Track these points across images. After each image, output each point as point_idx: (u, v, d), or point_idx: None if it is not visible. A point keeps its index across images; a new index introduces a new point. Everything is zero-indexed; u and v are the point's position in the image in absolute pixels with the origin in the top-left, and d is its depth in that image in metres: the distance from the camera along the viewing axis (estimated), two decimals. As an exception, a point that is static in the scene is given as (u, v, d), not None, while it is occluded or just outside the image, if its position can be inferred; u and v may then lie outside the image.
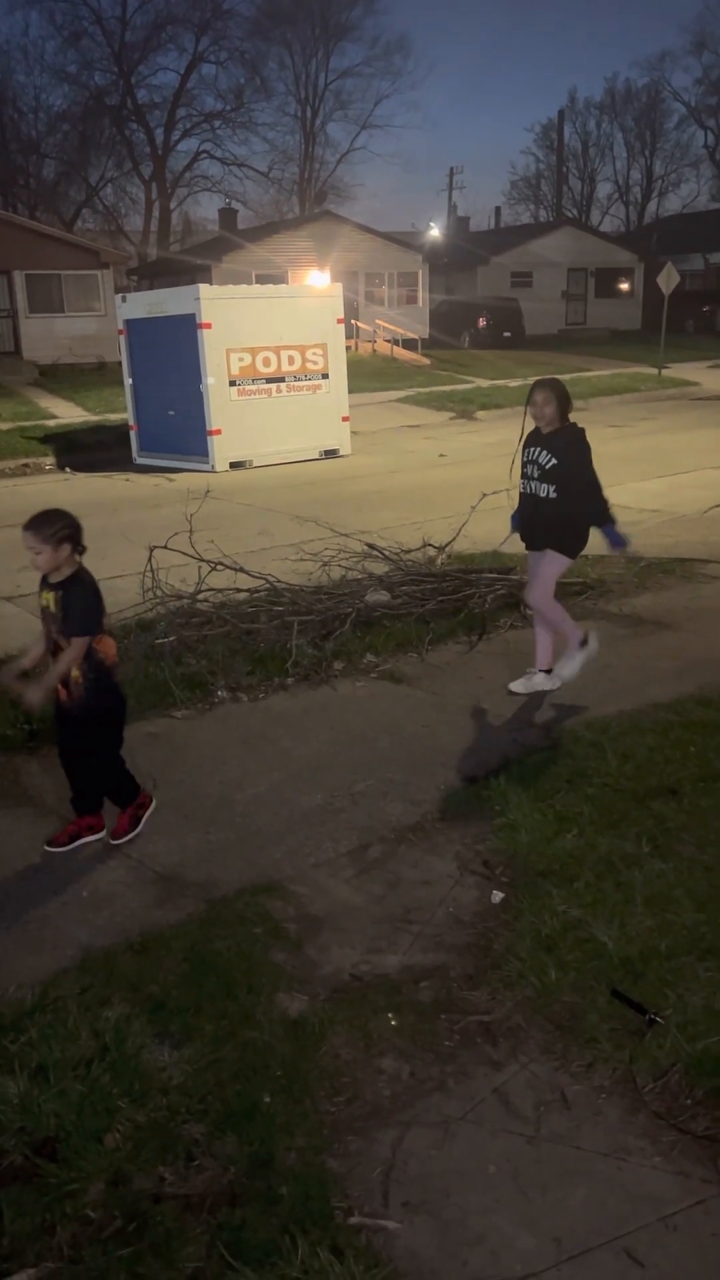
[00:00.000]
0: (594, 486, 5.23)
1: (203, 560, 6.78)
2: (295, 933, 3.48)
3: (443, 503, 10.77)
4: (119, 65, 45.67)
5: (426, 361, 29.20)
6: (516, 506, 5.55)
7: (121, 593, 7.56)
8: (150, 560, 6.62)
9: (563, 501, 5.19)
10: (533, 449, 5.29)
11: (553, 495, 5.20)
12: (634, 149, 59.59)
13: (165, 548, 6.66)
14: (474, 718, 5.28)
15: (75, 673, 3.87)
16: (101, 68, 46.00)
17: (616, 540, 5.28)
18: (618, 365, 28.12)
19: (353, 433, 15.96)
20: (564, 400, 5.24)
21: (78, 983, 3.18)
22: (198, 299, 14.27)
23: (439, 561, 7.89)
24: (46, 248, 27.82)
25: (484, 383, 25.15)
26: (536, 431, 5.32)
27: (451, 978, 3.19)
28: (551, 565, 5.36)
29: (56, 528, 3.77)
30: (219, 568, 6.79)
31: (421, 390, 23.53)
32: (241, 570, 6.84)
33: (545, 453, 5.21)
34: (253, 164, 49.82)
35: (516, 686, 5.58)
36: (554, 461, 5.17)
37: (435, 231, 42.47)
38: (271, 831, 4.19)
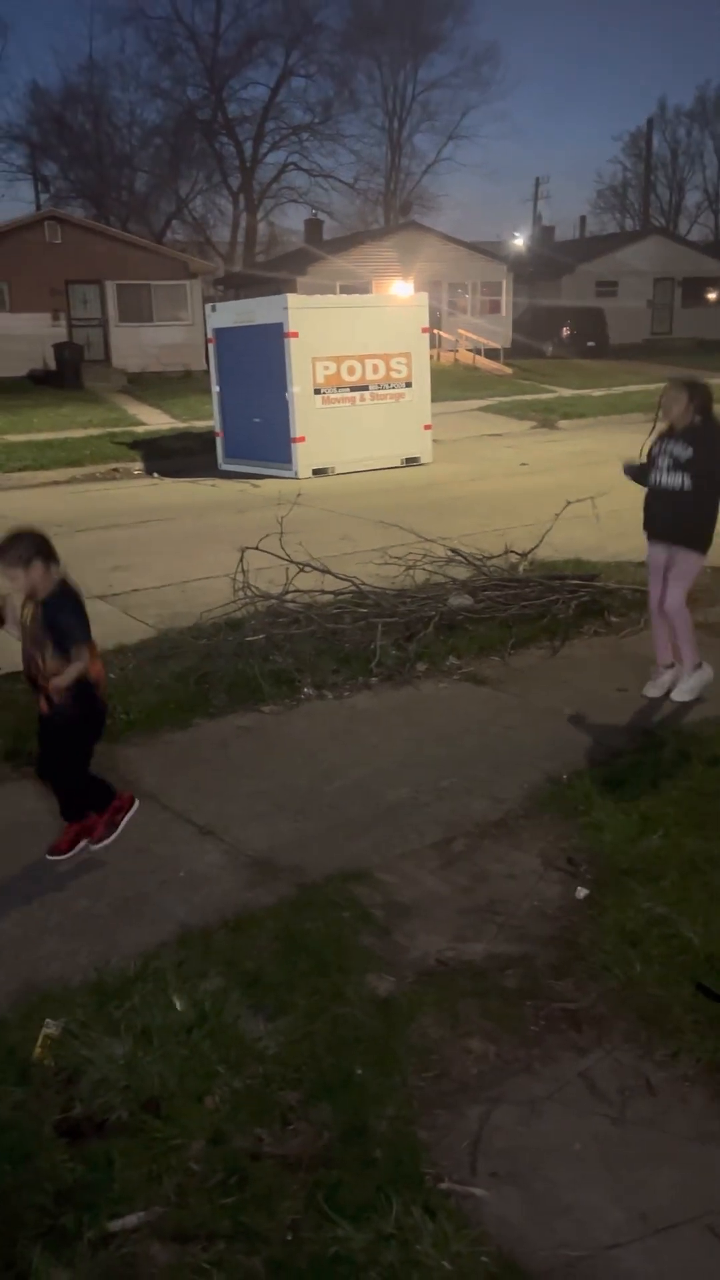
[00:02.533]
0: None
1: (291, 562, 6.95)
2: (383, 918, 3.59)
3: (524, 510, 10.79)
4: (210, 80, 46.67)
5: (509, 370, 29.18)
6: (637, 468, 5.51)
7: (212, 593, 7.80)
8: (241, 561, 6.80)
9: (698, 493, 5.17)
10: (667, 441, 5.28)
11: (687, 487, 5.19)
12: (725, 157, 58.64)
13: (257, 549, 6.85)
14: (557, 720, 5.33)
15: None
16: (194, 83, 47.13)
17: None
18: (705, 374, 27.69)
19: (434, 441, 16.06)
20: (697, 395, 5.20)
21: (176, 956, 3.33)
22: (285, 308, 14.54)
23: (521, 568, 7.95)
24: (137, 258, 28.56)
25: (567, 392, 25.04)
26: (670, 427, 5.30)
27: (537, 967, 3.27)
28: (687, 565, 5.33)
29: (20, 550, 3.76)
30: (307, 569, 6.94)
31: (504, 399, 23.54)
32: (327, 572, 6.99)
33: (681, 444, 5.20)
34: (339, 175, 50.29)
35: (650, 691, 5.55)
36: (690, 453, 5.17)
37: (519, 241, 42.41)
38: (359, 822, 4.32)
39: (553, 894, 3.71)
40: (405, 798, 4.52)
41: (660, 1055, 2.83)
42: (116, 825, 4.13)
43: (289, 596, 6.85)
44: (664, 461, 5.28)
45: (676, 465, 5.22)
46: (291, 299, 14.89)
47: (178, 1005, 3.05)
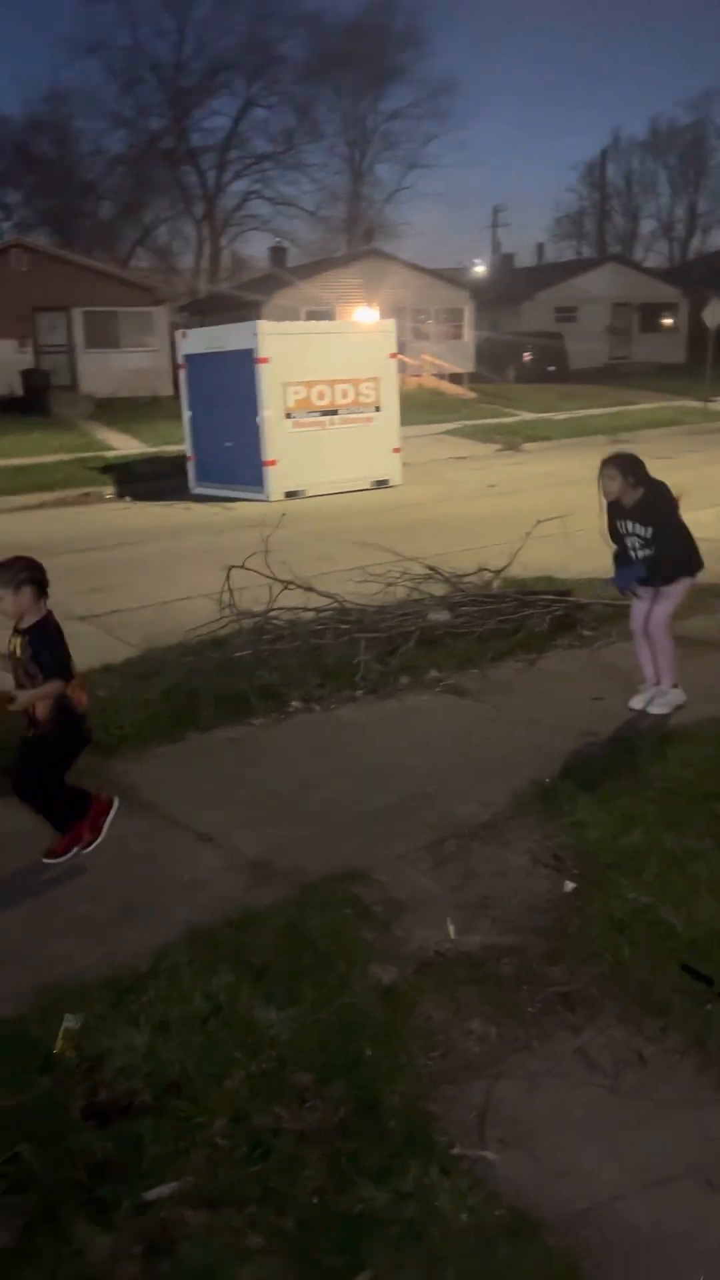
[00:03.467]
0: (679, 540, 5.49)
1: (276, 579, 7.13)
2: (381, 914, 3.76)
3: (493, 531, 11.04)
4: (173, 110, 47.17)
5: (472, 395, 29.65)
6: (616, 565, 5.75)
7: (191, 613, 7.95)
8: (228, 579, 6.97)
9: (666, 557, 5.47)
10: (626, 523, 5.51)
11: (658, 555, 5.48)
12: (677, 186, 60.27)
13: (244, 567, 7.01)
14: (536, 729, 5.54)
15: (45, 713, 3.96)
16: (157, 112, 47.58)
17: (623, 580, 5.57)
18: (663, 398, 28.37)
19: (403, 464, 16.35)
20: (630, 470, 5.43)
21: (186, 953, 3.48)
22: (256, 334, 14.79)
23: (495, 584, 8.18)
24: (104, 285, 28.78)
25: (529, 416, 25.50)
26: (617, 502, 5.54)
27: (530, 955, 3.45)
28: (670, 600, 5.60)
29: (13, 572, 3.87)
30: (291, 586, 7.12)
31: (468, 423, 23.93)
32: (311, 589, 7.17)
33: (638, 525, 5.45)
34: (301, 203, 50.94)
35: (635, 703, 5.75)
36: (651, 530, 5.43)
37: (480, 268, 43.13)
38: (351, 827, 4.49)
39: (541, 888, 3.90)
40: (394, 803, 4.70)
41: (650, 1031, 3.03)
42: (100, 829, 4.23)
43: (273, 613, 7.02)
44: (633, 542, 5.53)
45: (645, 544, 5.49)
46: (262, 325, 15.14)
47: (194, 998, 3.20)
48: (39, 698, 3.93)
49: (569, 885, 3.88)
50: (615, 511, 5.59)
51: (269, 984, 3.30)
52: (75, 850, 4.21)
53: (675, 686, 5.73)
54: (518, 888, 3.91)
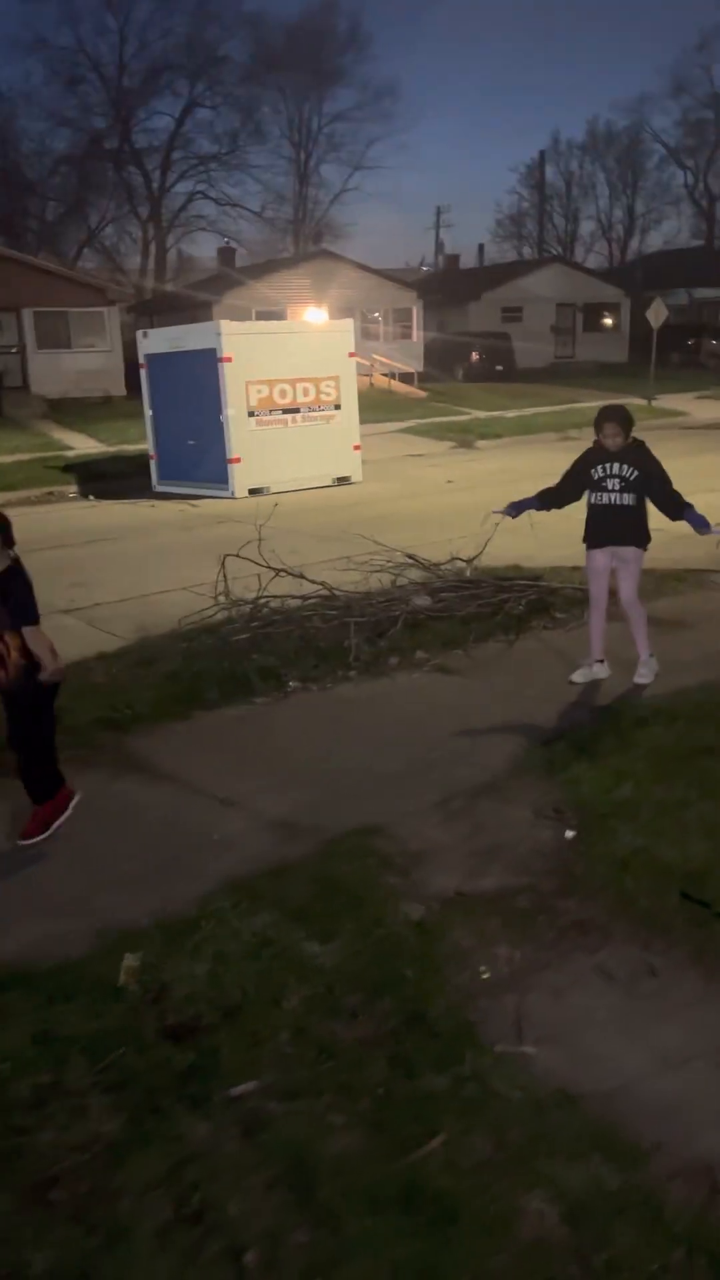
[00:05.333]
0: (672, 486, 5.94)
1: (269, 568, 7.43)
2: (401, 863, 4.09)
3: (455, 524, 11.42)
4: (116, 110, 46.98)
5: (423, 394, 30.10)
6: (525, 498, 6.26)
7: (171, 605, 8.23)
8: (222, 569, 7.27)
9: (640, 506, 5.92)
10: (608, 465, 5.93)
11: (633, 503, 5.91)
12: (616, 188, 61.42)
13: (239, 556, 7.31)
14: (523, 700, 5.92)
15: (15, 656, 4.12)
16: (100, 112, 47.38)
17: (701, 523, 5.90)
18: (608, 396, 29.01)
19: (362, 461, 16.71)
20: (628, 422, 5.92)
21: (228, 899, 3.79)
22: (219, 334, 15.04)
23: (468, 573, 8.56)
24: (54, 286, 28.68)
25: (481, 414, 26.03)
26: (599, 449, 5.96)
27: (542, 892, 3.82)
28: (636, 562, 6.03)
29: None
30: (282, 574, 7.43)
31: (421, 421, 24.37)
32: (303, 577, 7.49)
33: (626, 466, 5.88)
34: (246, 204, 51.08)
35: (577, 677, 6.18)
36: (636, 473, 5.86)
37: (427, 268, 43.64)
38: (362, 790, 4.82)
39: (545, 837, 4.27)
40: (400, 769, 5.04)
41: (657, 948, 3.41)
42: (49, 825, 4.39)
43: (262, 600, 7.33)
44: (612, 484, 5.95)
45: (625, 485, 5.90)
46: (224, 325, 15.39)
47: (243, 935, 3.51)
48: (45, 646, 4.10)
49: (569, 833, 4.26)
50: (594, 456, 5.99)
51: (309, 923, 3.62)
52: (58, 824, 4.37)
53: (651, 656, 6.14)
54: (523, 837, 4.28)
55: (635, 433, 6.04)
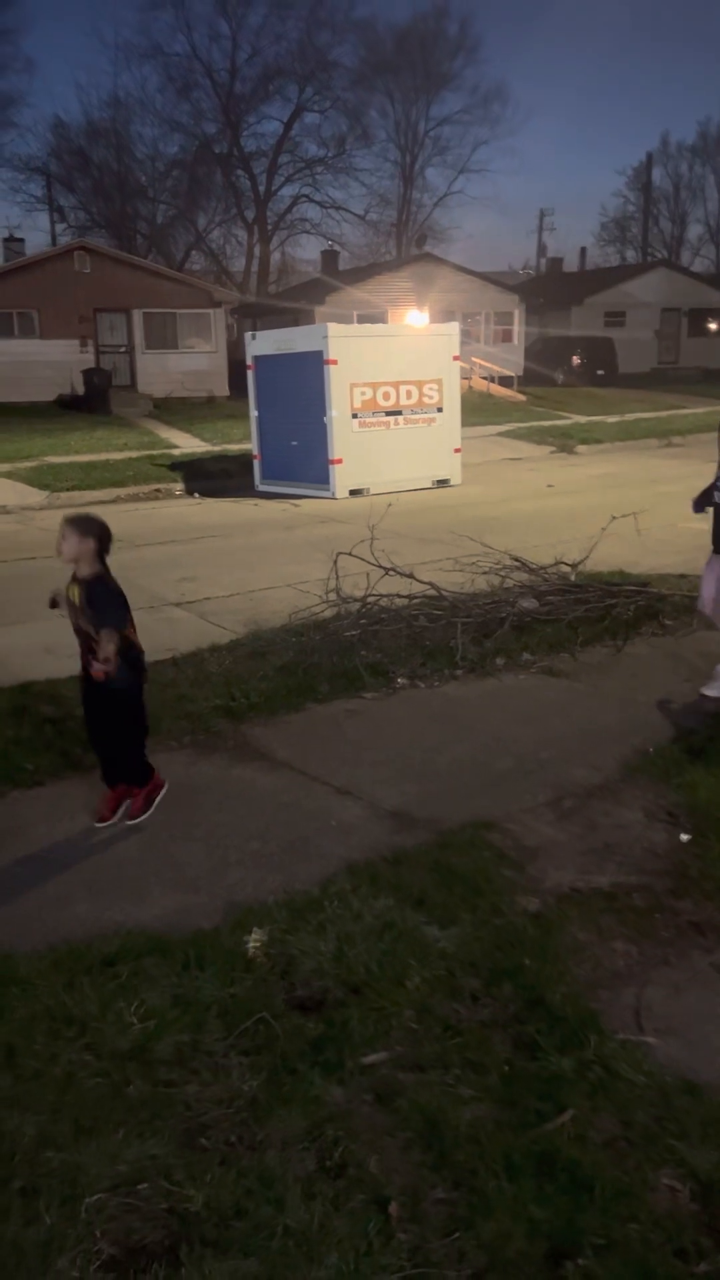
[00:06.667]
0: None
1: (378, 566, 7.59)
2: (516, 857, 4.19)
3: (558, 528, 11.44)
4: (226, 115, 47.90)
5: (523, 398, 29.99)
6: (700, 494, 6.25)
7: (278, 601, 8.45)
8: (335, 567, 7.44)
9: None
10: None
11: None
12: (725, 191, 60.05)
13: (351, 554, 7.49)
14: (632, 705, 5.95)
15: (114, 658, 4.25)
16: (211, 118, 48.35)
17: None
18: (712, 403, 28.55)
19: (462, 464, 16.77)
20: None
21: (349, 881, 3.93)
22: (326, 337, 15.26)
23: (572, 577, 8.59)
24: (162, 288, 29.44)
25: (581, 418, 25.82)
26: None
27: (657, 892, 3.88)
28: None
29: (89, 524, 4.34)
30: (391, 573, 7.58)
31: (521, 425, 24.28)
32: (412, 577, 7.63)
33: None
34: (350, 207, 51.47)
35: (711, 690, 6.12)
36: None
37: (529, 271, 43.41)
38: (475, 786, 4.93)
39: (659, 839, 4.32)
40: (512, 767, 5.13)
41: (776, 951, 3.44)
42: (152, 802, 4.66)
43: (369, 599, 7.48)
44: None
45: None
46: (331, 328, 15.62)
47: (365, 917, 3.65)
48: (111, 651, 4.24)
49: (684, 836, 4.30)
50: None
51: (428, 909, 3.74)
52: (122, 813, 4.59)
53: None
54: (637, 838, 4.33)
55: None
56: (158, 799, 4.70)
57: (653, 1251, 2.19)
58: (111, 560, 4.44)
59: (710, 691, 6.14)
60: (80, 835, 4.50)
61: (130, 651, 4.39)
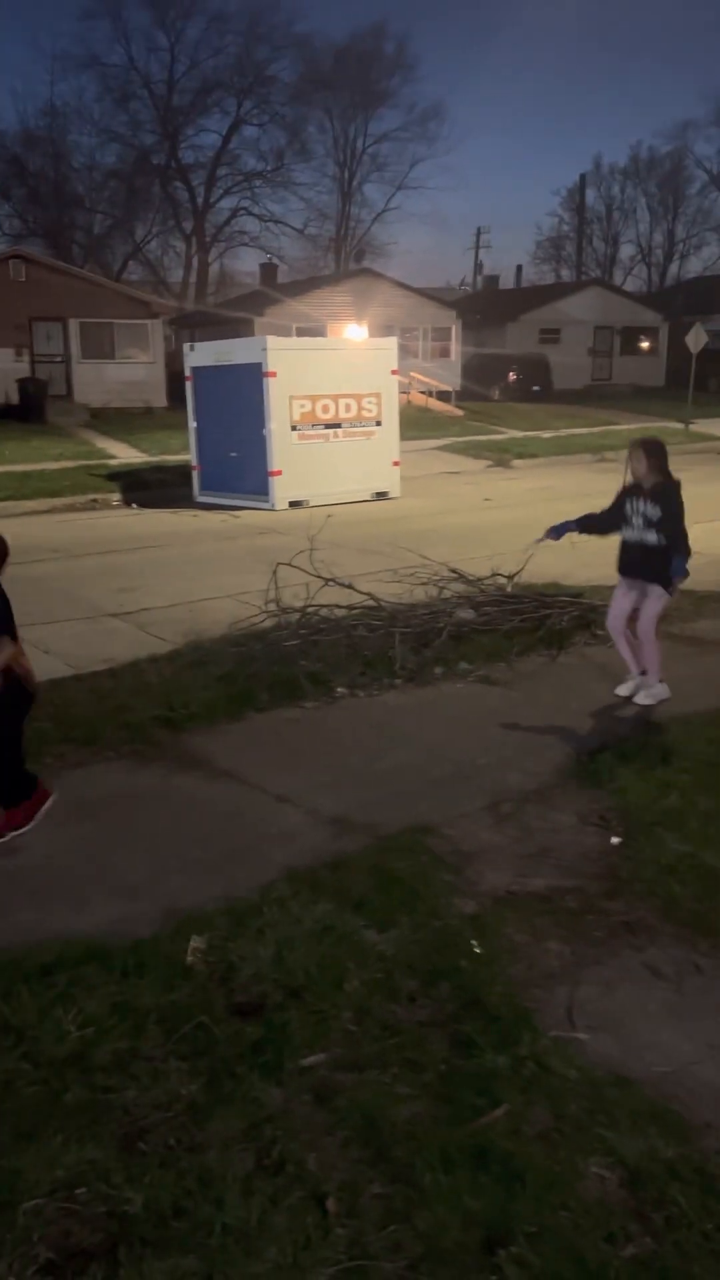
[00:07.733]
0: (684, 534, 6.02)
1: (318, 577, 7.64)
2: (454, 861, 4.26)
3: (494, 541, 11.61)
4: (164, 127, 47.78)
5: (460, 413, 30.33)
6: (567, 520, 6.40)
7: (218, 611, 8.46)
8: (274, 578, 7.48)
9: (665, 547, 6.00)
10: (636, 501, 6.07)
11: (660, 543, 6.01)
12: (656, 213, 61.58)
13: (291, 565, 7.52)
14: (566, 713, 6.08)
15: None
16: (149, 129, 48.20)
17: (679, 571, 6.04)
18: (644, 420, 29.17)
19: (400, 477, 16.92)
20: (655, 455, 6.05)
21: (289, 888, 3.96)
22: (265, 349, 15.33)
23: (508, 588, 8.73)
24: (100, 298, 29.23)
25: (517, 433, 26.21)
26: (637, 484, 6.11)
27: (590, 894, 3.97)
28: (658, 602, 6.13)
29: None
30: (331, 584, 7.64)
31: (458, 439, 24.58)
32: (351, 587, 7.69)
33: (651, 505, 6.01)
34: (289, 221, 51.68)
35: (623, 690, 6.30)
36: (659, 514, 5.99)
37: (466, 288, 43.97)
38: (413, 792, 4.99)
39: (591, 843, 4.42)
40: (450, 773, 5.21)
41: (703, 948, 3.55)
42: (34, 816, 4.56)
43: (309, 609, 7.52)
44: (638, 521, 6.10)
45: (648, 524, 6.05)
46: (271, 340, 15.68)
47: (304, 921, 3.69)
48: (9, 657, 4.21)
49: (615, 840, 4.41)
50: (631, 491, 6.14)
51: (367, 912, 3.79)
52: (11, 833, 4.49)
53: (661, 682, 6.25)
54: (571, 841, 4.43)
55: (673, 457, 6.17)
56: (43, 809, 4.58)
57: (583, 1237, 2.26)
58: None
59: (622, 691, 6.30)
60: (19, 844, 4.46)
61: (7, 672, 4.28)
